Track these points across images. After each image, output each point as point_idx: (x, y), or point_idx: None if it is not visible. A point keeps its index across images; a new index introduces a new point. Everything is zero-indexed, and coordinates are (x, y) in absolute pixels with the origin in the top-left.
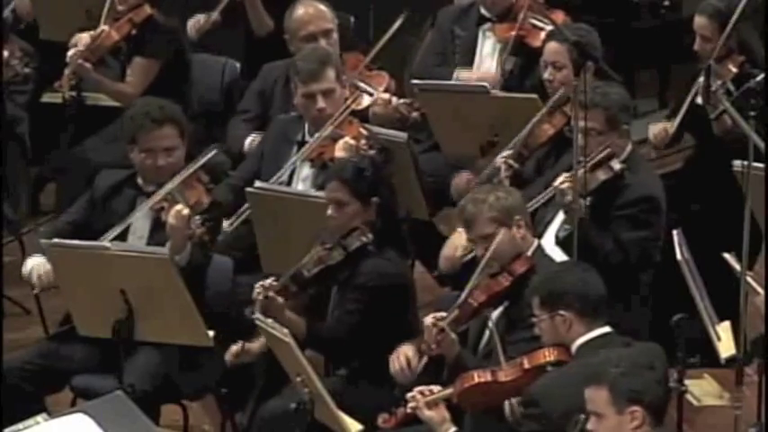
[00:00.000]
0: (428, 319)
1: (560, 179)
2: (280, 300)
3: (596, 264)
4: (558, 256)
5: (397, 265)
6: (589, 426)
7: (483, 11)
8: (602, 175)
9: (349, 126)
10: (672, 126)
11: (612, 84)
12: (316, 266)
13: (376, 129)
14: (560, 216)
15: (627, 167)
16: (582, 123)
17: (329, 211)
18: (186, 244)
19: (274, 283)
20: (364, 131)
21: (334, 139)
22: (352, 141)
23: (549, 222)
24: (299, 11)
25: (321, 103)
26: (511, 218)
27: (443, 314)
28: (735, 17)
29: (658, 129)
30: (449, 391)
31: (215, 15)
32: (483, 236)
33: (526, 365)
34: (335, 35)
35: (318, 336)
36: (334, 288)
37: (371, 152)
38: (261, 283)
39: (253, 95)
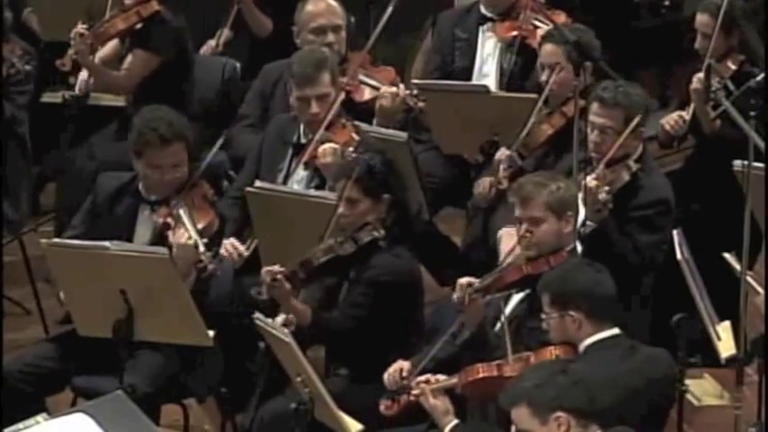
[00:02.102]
0: (463, 280)
1: (589, 179)
2: (287, 285)
3: (609, 263)
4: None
5: (408, 262)
6: None
7: (484, 10)
8: (626, 175)
9: (341, 130)
10: (688, 113)
11: (633, 84)
12: (325, 255)
13: (375, 129)
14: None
15: (641, 168)
16: (599, 121)
17: (340, 209)
18: (192, 271)
19: (282, 268)
20: (356, 136)
21: (325, 142)
22: (336, 146)
23: None
24: (311, 5)
25: (315, 108)
26: (564, 211)
27: (476, 280)
28: (720, 14)
29: (674, 118)
30: (453, 380)
31: (226, 32)
32: (533, 218)
33: (533, 362)
34: (344, 33)
35: (323, 326)
36: (345, 284)
37: (356, 155)
38: (269, 267)
39: (253, 97)
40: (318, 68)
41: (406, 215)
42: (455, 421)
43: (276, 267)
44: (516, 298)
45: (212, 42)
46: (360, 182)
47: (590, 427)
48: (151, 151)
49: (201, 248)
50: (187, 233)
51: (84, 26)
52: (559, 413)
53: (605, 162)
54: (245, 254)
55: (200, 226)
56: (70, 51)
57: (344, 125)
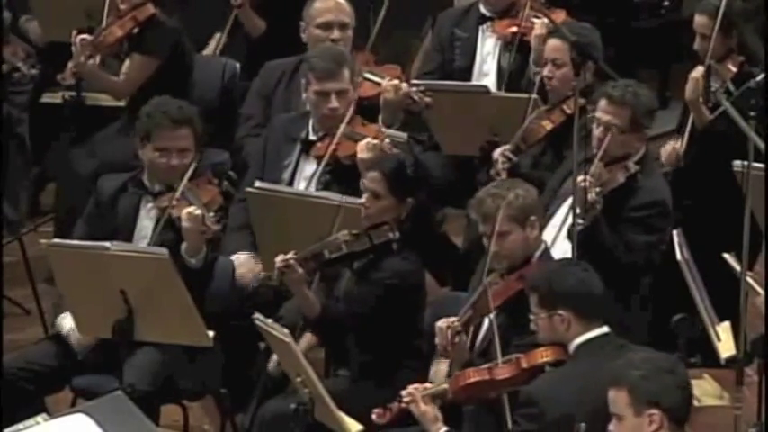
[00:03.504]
0: (441, 323)
1: (580, 178)
2: (300, 270)
3: (603, 263)
4: (566, 250)
5: (416, 267)
6: (610, 427)
7: (483, 9)
8: (621, 177)
9: (363, 127)
10: (681, 146)
11: (642, 85)
12: (338, 250)
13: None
14: (566, 207)
15: (640, 170)
16: (605, 118)
17: (363, 200)
18: (202, 245)
19: (295, 256)
20: (384, 131)
21: (349, 138)
22: (376, 141)
23: (553, 215)
24: (321, 1)
25: (335, 102)
26: (527, 217)
27: (454, 318)
28: (720, 14)
29: (668, 150)
30: (444, 386)
31: (224, 39)
32: (498, 232)
33: (524, 365)
34: (350, 33)
35: (330, 318)
36: (347, 275)
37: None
38: (282, 255)
39: (254, 97)
40: (339, 64)
41: (427, 221)
42: (444, 428)
43: (290, 254)
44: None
45: (208, 51)
46: (387, 178)
47: None
48: (160, 133)
49: (207, 215)
50: (193, 206)
51: (82, 36)
52: (655, 410)
53: (600, 158)
54: (262, 272)
55: (204, 201)
56: (70, 65)
57: (364, 123)
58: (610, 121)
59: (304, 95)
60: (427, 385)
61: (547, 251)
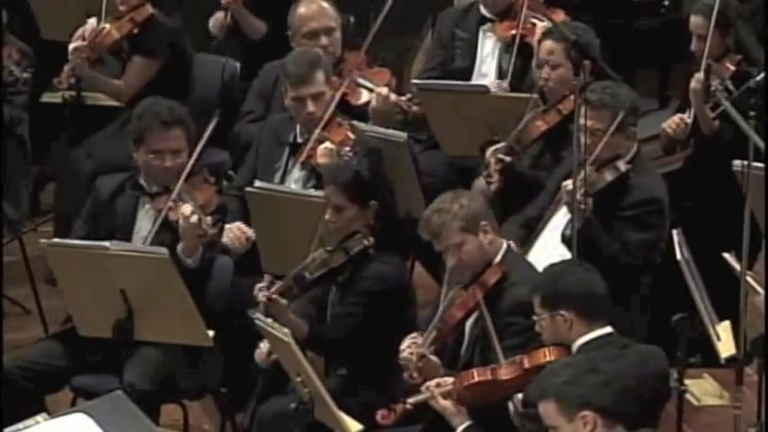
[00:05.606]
0: (405, 352)
1: (569, 181)
2: (283, 301)
3: (599, 264)
4: (563, 254)
5: (398, 269)
6: None
7: (483, 11)
8: (608, 176)
9: (337, 129)
10: (689, 115)
11: (622, 84)
12: (318, 270)
13: (374, 128)
14: (562, 213)
15: (632, 168)
16: (585, 122)
17: (327, 216)
18: (199, 246)
19: (277, 285)
20: (351, 135)
21: (322, 142)
22: (333, 146)
23: (549, 219)
24: (303, 8)
25: (311, 106)
26: (477, 224)
27: (418, 340)
28: (714, 14)
29: (675, 121)
30: (449, 387)
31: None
32: (452, 245)
33: (527, 365)
34: (338, 34)
35: (320, 338)
36: (333, 289)
37: (351, 154)
38: (262, 285)
39: (255, 95)
40: (312, 67)
41: (393, 220)
42: (468, 422)
43: (266, 283)
44: (468, 323)
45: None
46: (346, 189)
47: (615, 427)
48: (152, 136)
49: (205, 219)
50: (190, 208)
51: (75, 44)
52: (586, 412)
53: (590, 163)
54: (253, 237)
55: (200, 202)
56: (66, 68)
57: (340, 124)
58: (593, 126)
59: (286, 102)
60: (443, 380)
61: (509, 252)
